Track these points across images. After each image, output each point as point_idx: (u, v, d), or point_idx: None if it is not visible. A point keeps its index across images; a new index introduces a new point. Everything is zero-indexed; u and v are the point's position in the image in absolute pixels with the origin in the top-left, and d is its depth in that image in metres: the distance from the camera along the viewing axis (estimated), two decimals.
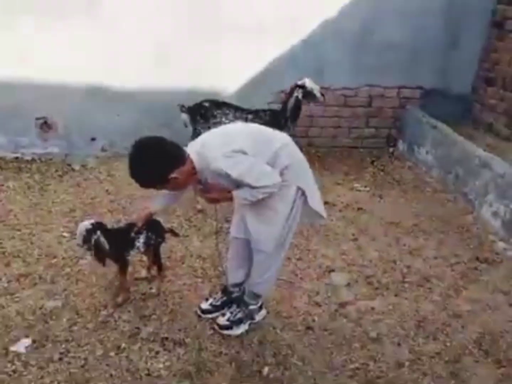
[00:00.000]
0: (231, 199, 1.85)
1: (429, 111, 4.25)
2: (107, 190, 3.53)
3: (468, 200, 3.53)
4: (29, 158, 3.95)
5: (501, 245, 3.06)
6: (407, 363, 2.10)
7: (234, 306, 2.21)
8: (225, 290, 2.30)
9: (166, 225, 2.51)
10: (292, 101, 3.22)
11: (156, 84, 3.91)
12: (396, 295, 2.53)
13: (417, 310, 2.43)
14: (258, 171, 1.76)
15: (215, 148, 1.77)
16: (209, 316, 2.25)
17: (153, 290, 2.43)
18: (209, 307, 2.26)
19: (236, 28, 3.89)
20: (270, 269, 2.07)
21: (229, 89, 4.06)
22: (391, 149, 4.58)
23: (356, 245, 3.00)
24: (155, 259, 2.40)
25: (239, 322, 2.17)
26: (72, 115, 3.96)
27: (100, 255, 2.11)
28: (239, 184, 1.78)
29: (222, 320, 2.18)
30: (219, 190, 1.86)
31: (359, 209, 3.46)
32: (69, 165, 3.90)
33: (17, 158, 3.93)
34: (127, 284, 2.35)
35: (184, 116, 3.17)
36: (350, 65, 4.22)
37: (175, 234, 2.53)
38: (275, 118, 3.21)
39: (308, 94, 3.21)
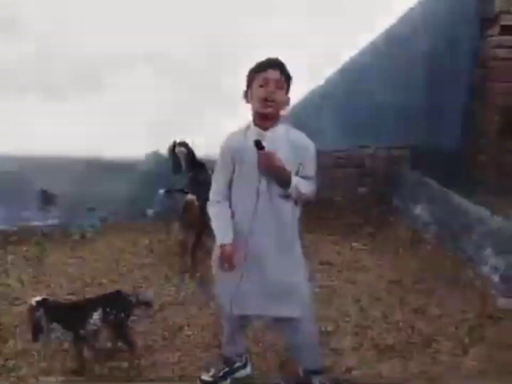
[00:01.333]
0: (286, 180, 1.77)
1: (420, 168, 4.38)
2: (107, 260, 3.53)
3: (467, 255, 3.55)
4: (29, 230, 3.98)
5: (502, 300, 3.04)
6: None
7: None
8: (227, 361, 2.23)
9: (146, 295, 2.49)
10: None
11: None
12: (403, 357, 2.48)
13: (426, 372, 2.37)
14: None
15: None
16: None
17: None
18: (211, 379, 2.19)
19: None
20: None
21: None
22: (383, 208, 4.65)
23: (359, 306, 2.97)
24: (119, 336, 2.31)
25: None
26: (71, 186, 4.05)
27: (36, 332, 2.11)
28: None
29: None
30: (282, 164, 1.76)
31: (358, 268, 3.45)
32: (69, 235, 3.93)
33: (16, 231, 3.96)
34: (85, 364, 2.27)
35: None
36: (340, 127, 4.38)
37: (149, 306, 2.47)
38: None
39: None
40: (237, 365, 2.22)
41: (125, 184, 4.06)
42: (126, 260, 3.46)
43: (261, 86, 1.76)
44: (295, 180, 1.76)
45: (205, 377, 2.20)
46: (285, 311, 1.92)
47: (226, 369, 2.19)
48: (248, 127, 1.86)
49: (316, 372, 2.11)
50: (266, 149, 1.74)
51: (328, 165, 4.46)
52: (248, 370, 2.25)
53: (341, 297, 3.07)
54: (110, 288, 3.01)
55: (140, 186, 4.04)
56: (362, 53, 4.21)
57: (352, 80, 4.28)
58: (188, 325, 2.73)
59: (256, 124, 1.84)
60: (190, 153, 3.50)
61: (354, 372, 2.36)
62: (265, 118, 1.81)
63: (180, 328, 2.70)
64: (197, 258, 3.33)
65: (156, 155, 4.20)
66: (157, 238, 3.91)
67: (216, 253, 1.88)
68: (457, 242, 3.67)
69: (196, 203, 3.19)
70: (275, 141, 1.79)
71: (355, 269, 3.46)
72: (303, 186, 1.79)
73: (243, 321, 2.09)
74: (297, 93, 4.19)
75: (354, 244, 3.88)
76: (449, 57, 4.35)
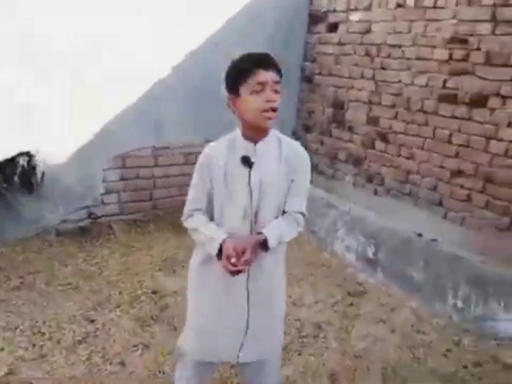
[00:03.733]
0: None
1: None
2: None
3: (321, 239, 3.82)
4: None
5: (361, 276, 3.37)
6: None
7: None
8: None
9: None
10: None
11: None
12: (300, 354, 2.50)
13: (324, 363, 2.44)
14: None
15: None
16: None
17: None
18: None
19: None
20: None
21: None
22: None
23: None
24: None
25: None
26: None
27: None
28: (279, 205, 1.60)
29: None
30: (253, 244, 1.50)
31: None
32: None
33: None
34: None
35: None
36: (188, 122, 4.18)
37: None
38: None
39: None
40: None
41: None
42: None
43: (255, 92, 1.46)
44: (274, 241, 1.54)
45: None
46: (261, 354, 1.72)
47: None
48: (234, 138, 1.58)
49: None
50: (255, 165, 1.53)
51: (180, 163, 4.24)
52: None
53: None
54: None
55: None
56: (206, 48, 4.05)
57: (204, 74, 4.11)
58: None
59: (245, 137, 1.56)
60: None
61: None
62: (260, 131, 1.54)
63: None
64: None
65: None
66: None
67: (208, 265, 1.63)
68: (310, 227, 3.92)
69: None
70: (265, 156, 1.56)
71: None
72: (287, 234, 1.60)
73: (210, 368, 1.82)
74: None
75: None
76: (286, 51, 4.55)
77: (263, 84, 1.45)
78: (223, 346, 1.68)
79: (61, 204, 3.67)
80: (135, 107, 3.82)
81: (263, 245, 1.53)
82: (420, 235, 3.03)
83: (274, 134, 1.60)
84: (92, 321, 2.66)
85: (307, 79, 4.72)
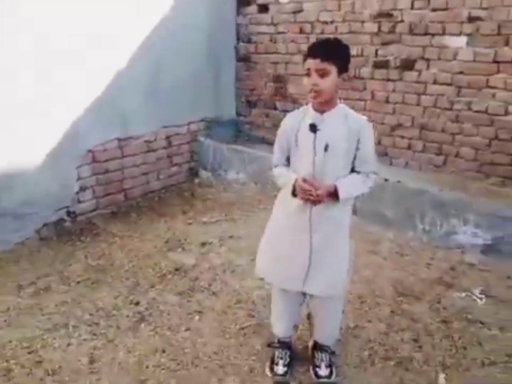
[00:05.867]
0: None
1: (212, 138, 4.84)
2: None
3: None
4: None
5: None
6: None
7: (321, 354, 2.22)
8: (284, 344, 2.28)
9: None
10: None
11: None
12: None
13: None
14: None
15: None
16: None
17: None
18: (285, 369, 2.21)
19: None
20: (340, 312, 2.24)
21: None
22: (196, 180, 4.91)
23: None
24: None
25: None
26: None
27: None
28: (345, 167, 1.93)
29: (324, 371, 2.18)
30: (326, 188, 1.86)
31: (230, 237, 3.68)
32: None
33: None
34: None
35: None
36: (145, 112, 4.28)
37: None
38: None
39: None
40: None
41: None
42: None
43: (306, 75, 1.81)
44: (346, 191, 1.89)
45: (279, 370, 2.18)
46: (322, 290, 2.05)
47: (288, 352, 2.22)
48: (307, 109, 1.93)
49: (323, 349, 2.23)
50: (321, 131, 1.86)
51: (141, 152, 4.33)
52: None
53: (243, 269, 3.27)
54: None
55: None
56: (151, 43, 4.16)
57: (153, 63, 4.21)
58: None
59: (314, 108, 1.89)
60: None
61: None
62: (318, 103, 1.86)
63: None
64: None
65: None
66: None
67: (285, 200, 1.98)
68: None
69: None
70: (331, 124, 1.88)
71: (230, 238, 3.65)
72: (355, 189, 1.94)
73: (297, 297, 2.14)
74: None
75: (203, 219, 4.01)
76: (220, 34, 4.82)
77: (308, 70, 1.81)
78: (290, 275, 2.05)
79: (40, 208, 3.57)
80: (99, 101, 3.82)
81: (334, 194, 1.90)
82: (386, 180, 3.67)
83: (341, 107, 1.93)
84: (137, 303, 2.80)
85: (242, 58, 5.07)
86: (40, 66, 3.38)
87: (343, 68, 1.83)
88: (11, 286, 3.00)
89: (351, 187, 1.92)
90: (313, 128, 1.88)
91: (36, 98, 3.38)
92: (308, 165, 1.92)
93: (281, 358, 2.23)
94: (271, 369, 2.22)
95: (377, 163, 2.03)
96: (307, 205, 1.91)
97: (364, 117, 1.94)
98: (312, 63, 1.78)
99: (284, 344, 2.28)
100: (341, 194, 1.88)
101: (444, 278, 3.11)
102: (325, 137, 1.87)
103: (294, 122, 1.96)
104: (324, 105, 1.87)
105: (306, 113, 1.94)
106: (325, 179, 1.90)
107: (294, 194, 1.92)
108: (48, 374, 2.25)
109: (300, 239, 1.97)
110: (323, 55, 1.77)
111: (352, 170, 1.95)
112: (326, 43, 1.88)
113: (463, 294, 2.93)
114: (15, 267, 3.21)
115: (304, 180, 1.86)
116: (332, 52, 1.81)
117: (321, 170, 1.90)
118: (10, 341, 2.46)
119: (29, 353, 2.38)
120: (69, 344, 2.45)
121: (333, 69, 1.79)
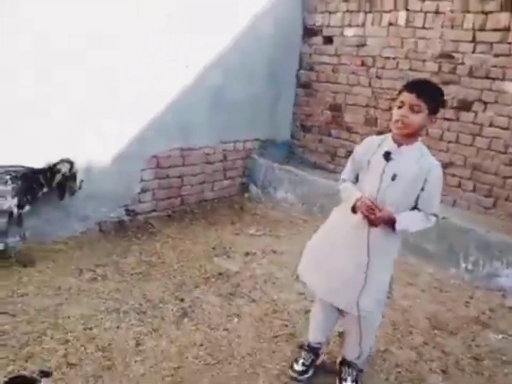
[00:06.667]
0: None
1: (265, 157, 5.08)
2: None
3: None
4: None
5: None
6: None
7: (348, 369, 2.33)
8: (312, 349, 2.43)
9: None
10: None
11: None
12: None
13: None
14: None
15: None
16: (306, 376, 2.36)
17: None
18: (303, 368, 2.35)
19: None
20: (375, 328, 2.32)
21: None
22: (246, 194, 5.14)
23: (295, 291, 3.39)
24: None
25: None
26: None
27: None
28: (406, 206, 2.01)
29: None
30: (387, 214, 1.95)
31: (273, 251, 3.86)
32: None
33: None
34: None
35: None
36: (207, 126, 4.59)
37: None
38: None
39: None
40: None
41: None
42: None
43: (397, 107, 1.93)
44: (403, 224, 1.97)
45: (297, 367, 2.34)
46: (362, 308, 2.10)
47: (313, 357, 2.33)
48: (386, 137, 2.05)
49: (351, 365, 2.31)
50: (393, 161, 1.96)
51: (200, 162, 4.63)
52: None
53: (283, 282, 3.43)
54: None
55: None
56: (219, 63, 4.46)
57: (219, 81, 4.53)
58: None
59: (394, 139, 2.01)
60: None
61: None
62: (400, 135, 1.97)
63: None
64: None
65: None
66: None
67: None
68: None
69: None
70: (404, 158, 1.97)
71: (273, 253, 3.84)
72: (414, 226, 2.01)
73: (336, 311, 2.30)
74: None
75: (250, 231, 4.22)
76: (284, 60, 5.10)
77: (402, 103, 1.92)
78: (341, 294, 2.13)
79: (103, 203, 3.92)
80: (166, 113, 4.17)
81: (391, 224, 2.00)
82: None
83: (419, 146, 2.02)
84: (182, 300, 3.03)
85: (303, 85, 5.31)
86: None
87: (434, 110, 1.92)
88: (73, 269, 3.32)
89: (409, 222, 2.00)
90: (387, 156, 1.95)
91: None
92: (372, 189, 2.03)
93: (303, 358, 2.39)
94: (291, 366, 2.40)
95: (440, 207, 2.08)
96: (365, 227, 1.99)
97: (437, 162, 2.01)
98: (407, 96, 1.89)
99: (312, 350, 2.43)
100: (398, 226, 1.96)
101: (481, 318, 3.12)
102: (395, 168, 1.96)
103: (372, 145, 2.07)
104: (405, 138, 1.96)
105: (385, 141, 2.04)
106: (383, 207, 2.01)
107: (353, 210, 2.05)
108: (99, 350, 2.50)
109: (358, 261, 2.03)
110: (420, 92, 1.86)
111: (415, 208, 2.03)
112: (424, 82, 2.03)
113: (500, 336, 2.94)
114: (79, 253, 3.55)
115: (369, 200, 1.98)
116: (428, 92, 1.90)
117: (382, 198, 1.99)
118: (69, 317, 2.75)
119: (84, 329, 2.66)
120: (118, 327, 2.70)
121: (424, 108, 1.88)
